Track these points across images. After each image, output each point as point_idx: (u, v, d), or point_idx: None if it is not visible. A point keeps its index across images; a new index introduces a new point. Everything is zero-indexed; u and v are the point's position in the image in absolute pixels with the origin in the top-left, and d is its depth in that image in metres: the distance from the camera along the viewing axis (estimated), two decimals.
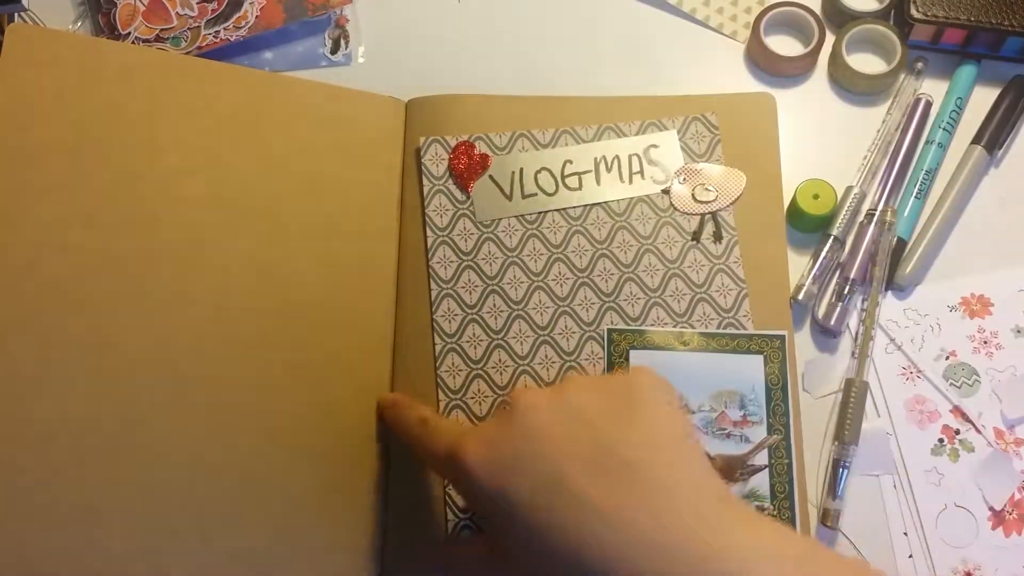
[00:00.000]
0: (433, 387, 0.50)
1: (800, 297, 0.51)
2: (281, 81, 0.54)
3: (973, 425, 0.49)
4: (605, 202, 0.52)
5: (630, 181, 0.52)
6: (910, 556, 0.48)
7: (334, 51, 0.59)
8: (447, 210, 0.52)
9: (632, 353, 0.49)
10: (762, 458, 0.48)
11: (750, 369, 0.49)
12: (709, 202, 0.52)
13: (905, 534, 0.48)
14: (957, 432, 0.49)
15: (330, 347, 0.49)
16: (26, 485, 0.44)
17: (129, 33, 0.56)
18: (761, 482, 0.47)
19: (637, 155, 0.53)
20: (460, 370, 0.50)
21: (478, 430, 0.39)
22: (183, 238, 0.48)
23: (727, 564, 0.33)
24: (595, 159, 0.53)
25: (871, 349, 0.50)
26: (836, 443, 0.49)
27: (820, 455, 0.49)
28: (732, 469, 0.47)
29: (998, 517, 0.47)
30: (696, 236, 0.52)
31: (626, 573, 0.34)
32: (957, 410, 0.49)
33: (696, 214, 0.52)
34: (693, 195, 0.52)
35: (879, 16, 0.58)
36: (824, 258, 0.52)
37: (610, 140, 0.53)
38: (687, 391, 0.49)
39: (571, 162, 0.53)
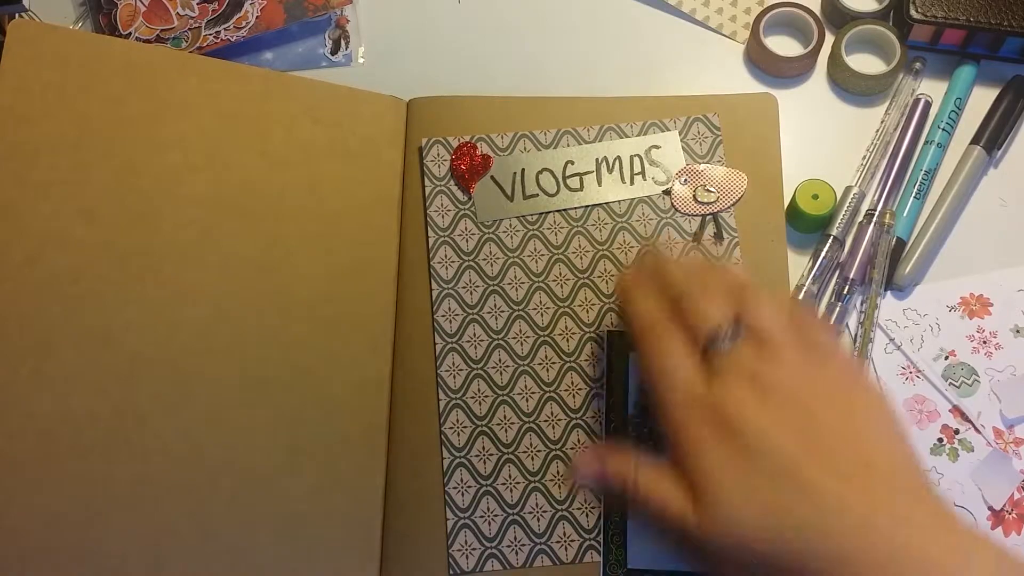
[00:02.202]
0: (433, 387, 0.50)
1: (800, 297, 0.51)
2: (283, 79, 0.54)
3: (972, 425, 0.49)
4: (606, 203, 0.52)
5: (631, 182, 0.53)
6: None
7: (334, 52, 0.59)
8: (448, 210, 0.52)
9: (632, 355, 0.49)
10: None
11: None
12: (710, 203, 0.52)
13: None
14: (956, 432, 0.49)
15: (330, 346, 0.49)
16: (26, 482, 0.44)
17: (130, 33, 0.56)
18: None
19: (639, 156, 0.53)
20: (460, 370, 0.50)
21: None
22: (184, 235, 0.49)
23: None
24: (596, 160, 0.53)
25: (870, 350, 0.50)
26: None
27: None
28: None
29: (997, 517, 0.48)
30: (697, 237, 0.52)
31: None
32: (956, 410, 0.50)
33: (697, 215, 0.52)
34: (694, 196, 0.52)
35: (878, 16, 0.58)
36: (823, 258, 0.52)
37: (611, 141, 0.53)
38: None
39: (572, 163, 0.53)
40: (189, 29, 0.57)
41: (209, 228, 0.49)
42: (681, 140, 0.53)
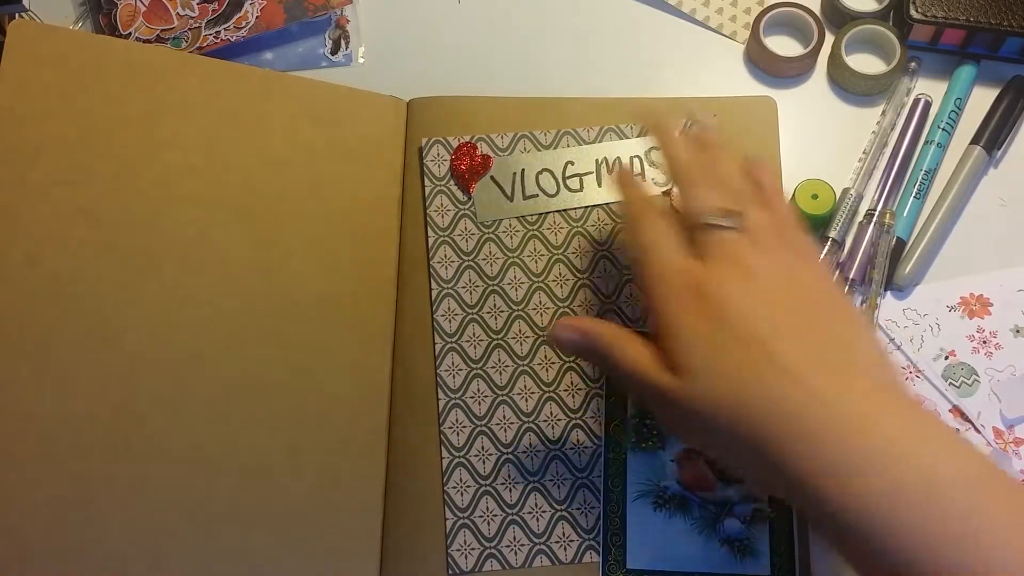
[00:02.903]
0: (433, 386, 0.50)
1: None
2: (282, 79, 0.54)
3: (972, 425, 0.49)
4: (606, 204, 0.52)
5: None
6: None
7: (334, 52, 0.59)
8: (448, 210, 0.52)
9: None
10: None
11: None
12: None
13: None
14: (956, 432, 0.49)
15: (330, 345, 0.49)
16: (25, 481, 0.44)
17: (130, 34, 0.56)
18: None
19: (638, 157, 0.53)
20: (460, 369, 0.50)
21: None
22: (184, 235, 0.49)
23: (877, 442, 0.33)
24: (596, 160, 0.53)
25: None
26: None
27: None
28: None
29: None
30: None
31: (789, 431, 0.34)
32: (956, 410, 0.50)
33: None
34: None
35: (878, 17, 0.58)
36: (823, 258, 0.52)
37: (611, 142, 0.53)
38: None
39: (572, 163, 0.53)
40: (189, 29, 0.57)
41: (209, 228, 0.49)
42: None
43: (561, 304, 0.51)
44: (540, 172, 0.53)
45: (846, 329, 0.38)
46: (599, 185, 0.52)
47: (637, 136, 0.53)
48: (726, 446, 0.37)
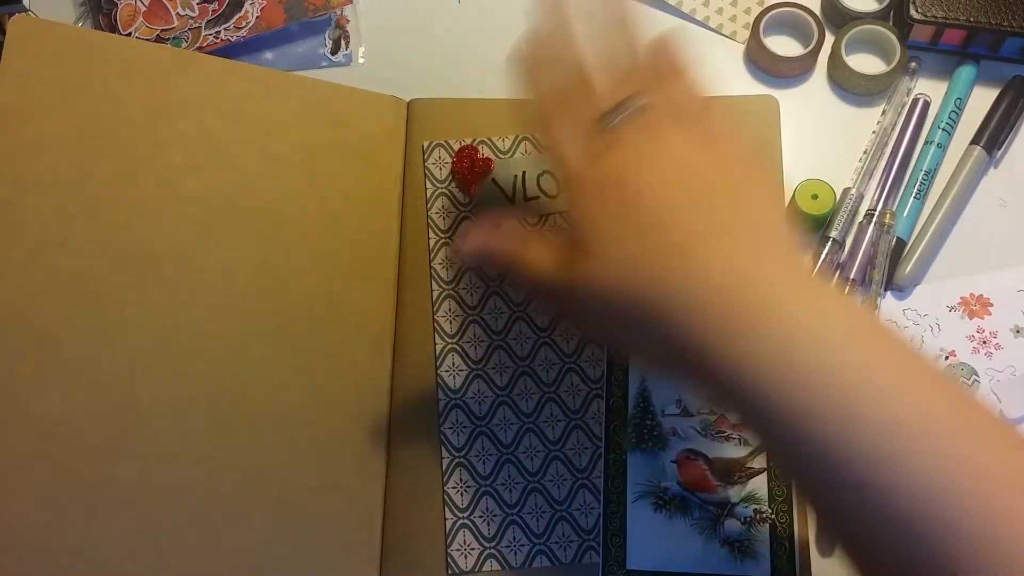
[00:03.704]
0: (433, 386, 0.50)
1: None
2: (283, 79, 0.54)
3: None
4: None
5: None
6: None
7: (334, 52, 0.59)
8: (450, 212, 0.52)
9: (632, 355, 0.49)
10: (761, 461, 0.48)
11: None
12: None
13: None
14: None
15: (330, 345, 0.49)
16: (25, 481, 0.44)
17: (130, 34, 0.56)
18: (759, 485, 0.47)
19: None
20: (460, 370, 0.50)
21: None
22: (184, 234, 0.49)
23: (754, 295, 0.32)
24: None
25: None
26: None
27: None
28: (730, 472, 0.48)
29: None
30: None
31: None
32: None
33: None
34: None
35: (878, 17, 0.58)
36: (823, 259, 0.52)
37: None
38: (686, 393, 0.49)
39: None
40: (189, 29, 0.57)
41: (209, 227, 0.49)
42: None
43: None
44: (541, 174, 0.53)
45: (747, 200, 0.36)
46: None
47: None
48: (621, 328, 0.36)
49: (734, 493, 0.47)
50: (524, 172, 0.53)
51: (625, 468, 0.48)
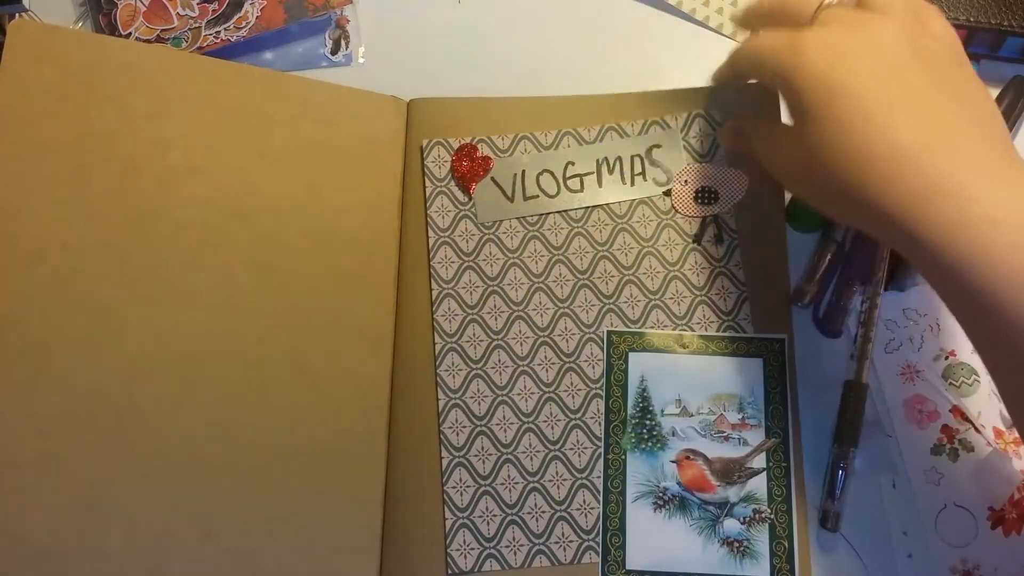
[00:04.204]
0: (433, 386, 0.50)
1: (800, 298, 0.51)
2: (284, 79, 0.54)
3: (972, 425, 0.49)
4: (606, 204, 0.52)
5: (632, 183, 0.52)
6: (910, 556, 0.48)
7: (334, 52, 0.59)
8: (449, 211, 0.52)
9: (631, 355, 0.50)
10: (760, 461, 0.48)
11: (749, 372, 0.49)
12: (711, 205, 0.52)
13: (905, 533, 0.48)
14: (956, 432, 0.49)
15: (330, 345, 0.49)
16: (25, 481, 0.44)
17: (130, 34, 0.56)
18: (759, 485, 0.47)
19: (639, 156, 0.53)
20: (460, 369, 0.50)
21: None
22: (185, 235, 0.49)
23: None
24: (597, 160, 0.53)
25: (870, 350, 0.50)
26: (835, 445, 0.49)
27: (821, 456, 0.49)
28: (730, 472, 0.48)
29: (997, 516, 0.48)
30: (697, 238, 0.52)
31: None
32: (956, 410, 0.50)
33: (697, 217, 0.52)
34: (695, 197, 0.52)
35: None
36: (824, 259, 0.52)
37: (612, 141, 0.53)
38: (686, 394, 0.49)
39: (573, 164, 0.53)
40: (189, 29, 0.57)
41: (209, 228, 0.49)
42: (682, 139, 0.53)
43: (561, 305, 0.51)
44: (540, 173, 0.53)
45: (976, 103, 0.41)
46: (600, 186, 0.52)
47: (638, 135, 0.53)
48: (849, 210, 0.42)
49: (733, 493, 0.47)
50: (524, 171, 0.53)
51: (624, 468, 0.48)
